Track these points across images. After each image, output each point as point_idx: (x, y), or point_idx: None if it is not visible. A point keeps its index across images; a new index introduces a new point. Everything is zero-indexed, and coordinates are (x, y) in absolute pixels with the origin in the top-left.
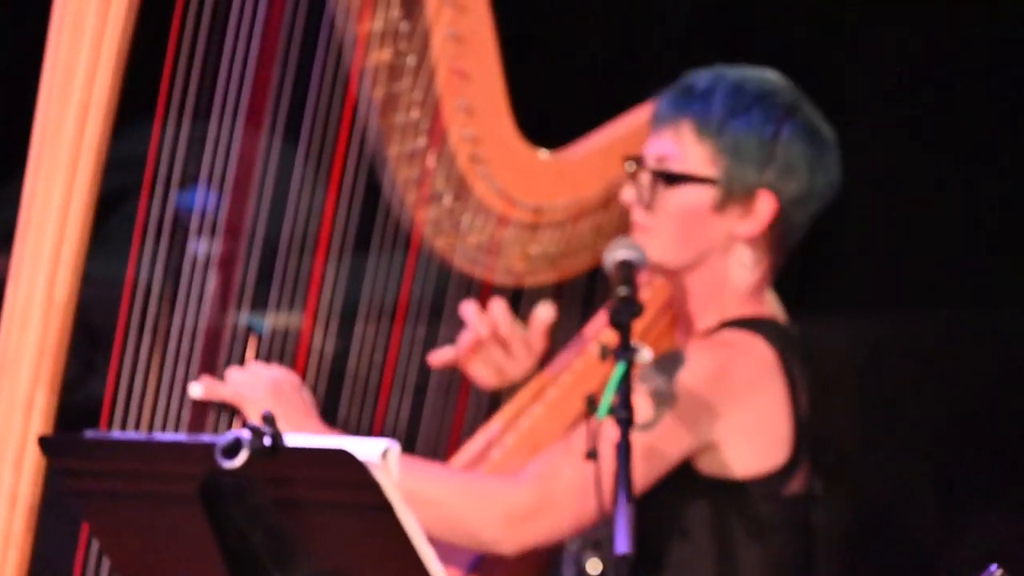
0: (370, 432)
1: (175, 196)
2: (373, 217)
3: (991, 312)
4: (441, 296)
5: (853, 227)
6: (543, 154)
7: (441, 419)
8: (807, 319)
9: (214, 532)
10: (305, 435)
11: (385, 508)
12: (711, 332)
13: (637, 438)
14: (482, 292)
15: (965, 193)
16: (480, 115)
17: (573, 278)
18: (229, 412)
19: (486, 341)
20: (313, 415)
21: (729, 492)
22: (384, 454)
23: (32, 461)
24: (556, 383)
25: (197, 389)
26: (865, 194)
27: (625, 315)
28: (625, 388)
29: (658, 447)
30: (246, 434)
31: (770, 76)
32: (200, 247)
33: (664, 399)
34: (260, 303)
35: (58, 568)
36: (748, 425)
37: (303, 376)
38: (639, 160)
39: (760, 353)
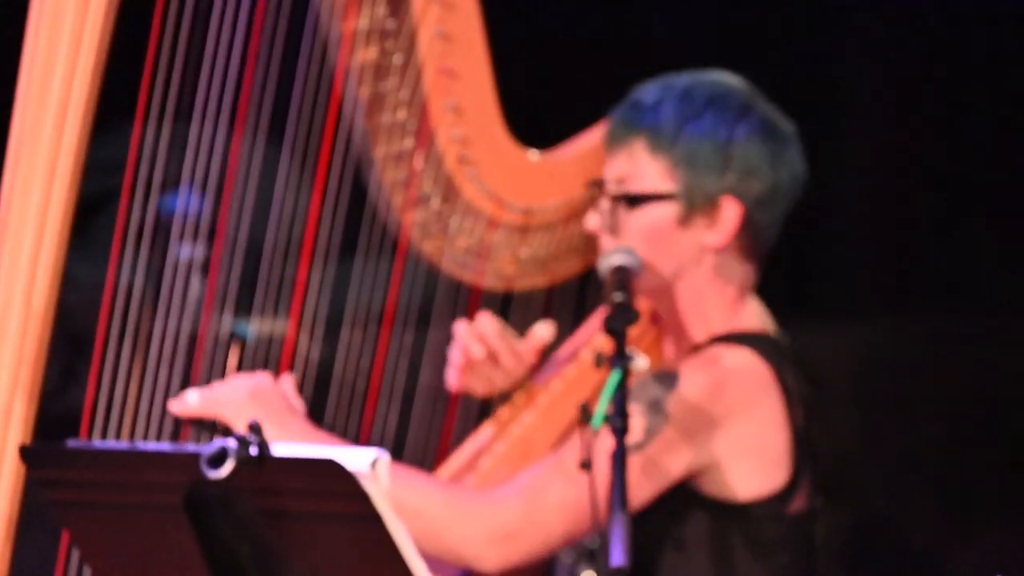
0: (357, 440)
1: (157, 199)
2: (359, 220)
3: (990, 318)
4: (429, 301)
5: (848, 234)
6: (533, 155)
7: (429, 427)
8: (802, 327)
9: (199, 544)
10: (292, 441)
11: (374, 519)
12: (701, 348)
13: (635, 453)
14: (471, 297)
15: (962, 199)
16: (469, 115)
17: (564, 282)
18: (210, 426)
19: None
20: (297, 414)
21: (732, 514)
22: (374, 464)
23: (11, 471)
24: (547, 390)
25: (177, 406)
26: (859, 200)
27: (620, 322)
28: (620, 396)
29: (658, 461)
30: (232, 443)
31: (720, 77)
32: (183, 251)
33: (661, 414)
34: (244, 308)
35: None
36: (748, 442)
37: None
38: (600, 184)
39: (754, 369)
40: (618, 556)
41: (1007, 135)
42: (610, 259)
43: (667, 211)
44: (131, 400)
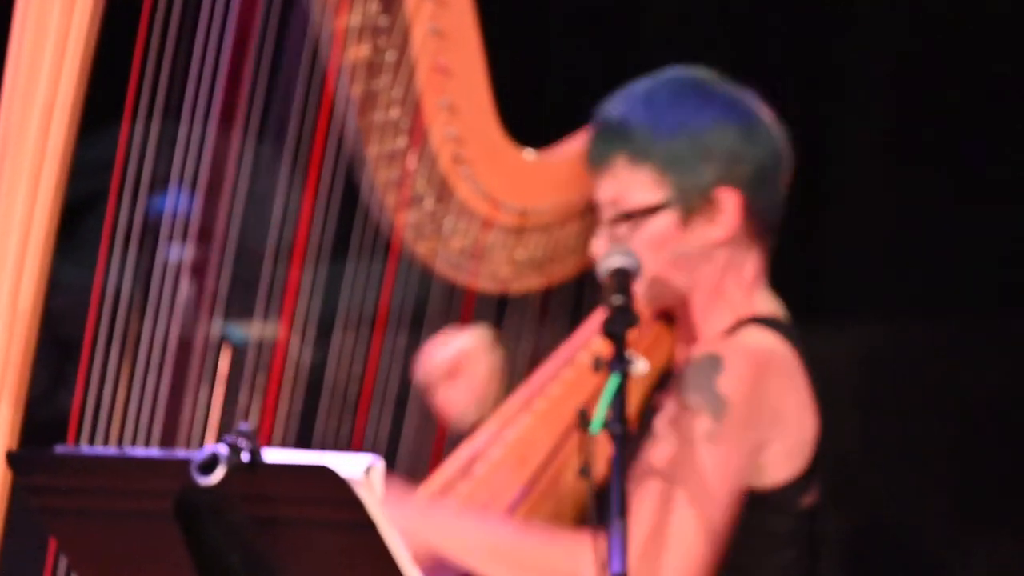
0: (349, 445)
1: (145, 200)
2: (351, 221)
3: (993, 319)
4: (423, 303)
5: (850, 234)
6: (529, 154)
7: (423, 431)
8: (804, 328)
9: (190, 551)
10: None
11: (368, 526)
12: (730, 331)
13: (708, 451)
14: (466, 299)
15: (966, 198)
16: (463, 113)
17: (560, 284)
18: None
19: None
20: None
21: (750, 501)
22: (367, 471)
23: None
24: (544, 394)
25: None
26: (865, 199)
27: (620, 325)
28: (619, 401)
29: (732, 449)
30: (223, 449)
31: (675, 73)
32: (172, 253)
33: (722, 402)
34: (235, 311)
35: None
36: (787, 423)
37: (279, 387)
38: (595, 210)
39: (785, 353)
40: (617, 563)
41: (1010, 135)
42: (609, 261)
43: (667, 219)
44: (120, 405)
